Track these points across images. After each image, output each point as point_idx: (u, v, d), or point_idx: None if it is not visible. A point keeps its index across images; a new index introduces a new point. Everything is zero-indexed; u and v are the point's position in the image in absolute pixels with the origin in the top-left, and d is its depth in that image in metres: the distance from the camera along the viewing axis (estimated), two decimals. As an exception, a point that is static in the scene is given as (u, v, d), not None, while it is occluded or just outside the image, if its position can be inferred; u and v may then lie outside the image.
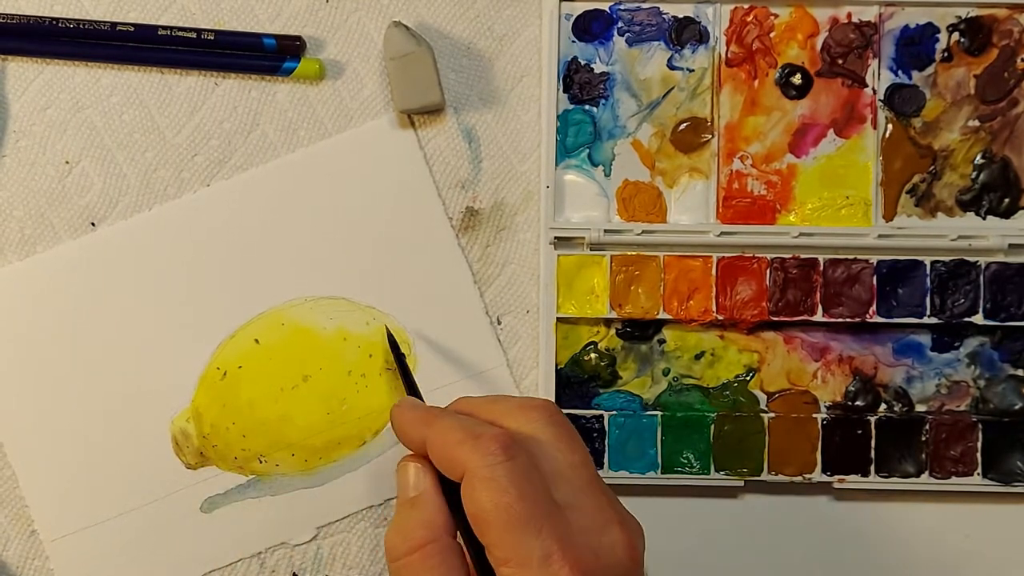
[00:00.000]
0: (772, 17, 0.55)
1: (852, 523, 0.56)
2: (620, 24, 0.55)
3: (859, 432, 0.55)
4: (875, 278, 0.55)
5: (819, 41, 0.55)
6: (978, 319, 0.55)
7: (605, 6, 0.55)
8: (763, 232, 0.55)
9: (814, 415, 0.55)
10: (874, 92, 0.55)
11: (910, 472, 0.55)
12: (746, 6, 0.55)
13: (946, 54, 0.55)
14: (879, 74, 0.55)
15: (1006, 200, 0.55)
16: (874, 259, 0.55)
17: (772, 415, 0.55)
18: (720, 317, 0.55)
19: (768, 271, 0.55)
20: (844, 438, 0.55)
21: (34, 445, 0.55)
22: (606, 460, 0.55)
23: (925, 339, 0.55)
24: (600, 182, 0.56)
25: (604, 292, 0.55)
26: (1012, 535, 0.56)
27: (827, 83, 0.55)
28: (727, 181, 0.55)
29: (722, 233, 0.55)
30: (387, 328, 0.54)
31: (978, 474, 0.55)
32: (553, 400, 0.54)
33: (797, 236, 0.55)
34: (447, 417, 0.43)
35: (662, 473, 0.55)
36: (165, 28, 0.55)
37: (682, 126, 0.56)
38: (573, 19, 0.55)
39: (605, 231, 0.54)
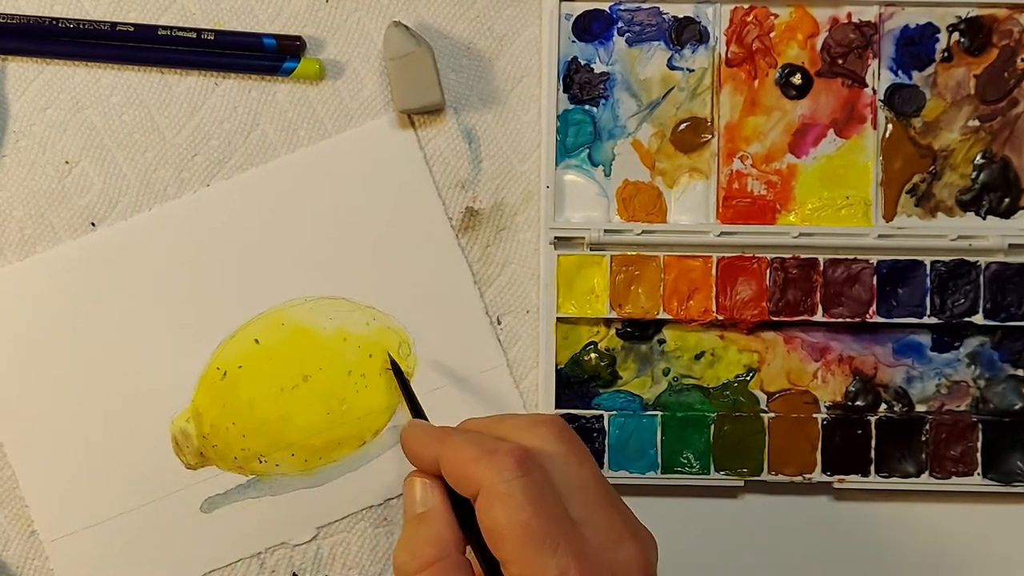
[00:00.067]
0: (772, 17, 0.55)
1: (852, 523, 0.56)
2: (620, 24, 0.55)
3: (859, 432, 0.55)
4: (875, 278, 0.55)
5: (819, 41, 0.55)
6: (978, 319, 0.55)
7: (605, 6, 0.55)
8: (763, 232, 0.55)
9: (814, 415, 0.55)
10: (874, 92, 0.55)
11: (910, 472, 0.55)
12: (746, 6, 0.55)
13: (946, 54, 0.55)
14: (879, 74, 0.55)
15: (1006, 200, 0.55)
16: (874, 259, 0.55)
17: (772, 415, 0.55)
18: (720, 317, 0.55)
19: (768, 271, 0.55)
20: (844, 438, 0.55)
21: (34, 445, 0.55)
22: (606, 460, 0.55)
23: (925, 339, 0.55)
24: (600, 182, 0.56)
25: (604, 292, 0.55)
26: (1012, 535, 0.56)
27: (827, 83, 0.55)
28: (727, 181, 0.55)
29: (722, 233, 0.55)
30: (389, 355, 0.54)
31: (978, 474, 0.55)
32: (553, 400, 0.55)
33: (797, 236, 0.55)
34: (459, 434, 0.43)
35: (662, 473, 0.55)
36: (165, 28, 0.55)
37: (682, 126, 0.56)
38: (573, 19, 0.55)
39: (605, 231, 0.54)
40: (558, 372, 0.55)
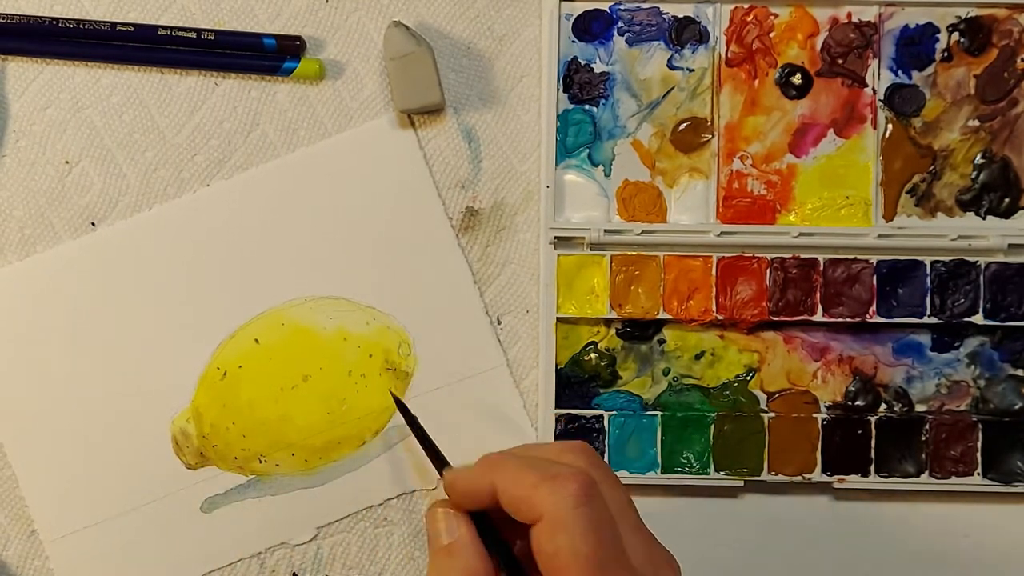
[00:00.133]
0: (772, 17, 0.55)
1: (852, 523, 0.56)
2: (620, 24, 0.55)
3: (859, 432, 0.55)
4: (875, 278, 0.55)
5: (819, 41, 0.55)
6: (978, 319, 0.55)
7: (605, 6, 0.55)
8: (763, 232, 0.55)
9: (814, 415, 0.55)
10: (874, 92, 0.55)
11: (910, 472, 0.55)
12: (746, 6, 0.55)
13: (946, 54, 0.55)
14: (879, 74, 0.55)
15: (1006, 200, 0.55)
16: (874, 259, 0.55)
17: (772, 415, 0.55)
18: (720, 317, 0.55)
19: (768, 271, 0.55)
20: (844, 438, 0.55)
21: (34, 445, 0.55)
22: (606, 460, 0.55)
23: (925, 339, 0.55)
24: (600, 182, 0.56)
25: (604, 292, 0.55)
26: (1012, 535, 0.56)
27: (827, 83, 0.55)
28: (727, 181, 0.55)
29: (722, 233, 0.55)
30: (392, 393, 0.53)
31: (978, 474, 0.55)
32: (553, 400, 0.55)
33: (797, 236, 0.55)
34: (513, 459, 0.42)
35: (662, 473, 0.55)
36: (165, 28, 0.55)
37: (682, 126, 0.56)
38: (573, 19, 0.55)
39: (605, 231, 0.54)
40: (558, 372, 0.55)
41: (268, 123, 0.56)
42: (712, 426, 0.55)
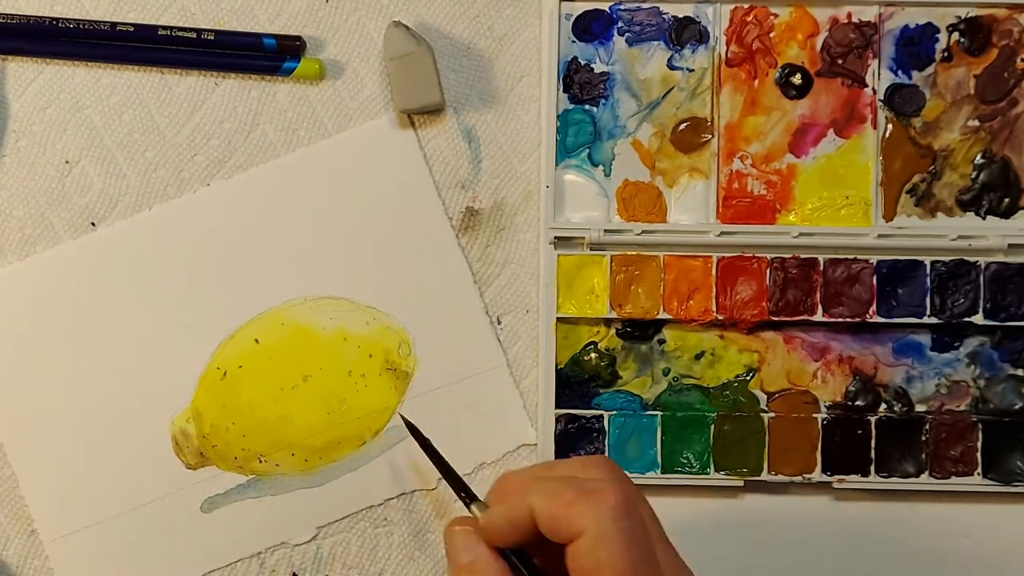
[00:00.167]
0: (772, 17, 0.55)
1: (852, 523, 0.56)
2: (620, 24, 0.55)
3: (859, 432, 0.55)
4: (875, 278, 0.55)
5: (819, 41, 0.55)
6: (978, 319, 0.55)
7: (605, 6, 0.55)
8: (763, 232, 0.55)
9: (814, 415, 0.55)
10: (874, 92, 0.55)
11: (910, 472, 0.55)
12: (746, 6, 0.55)
13: (946, 54, 0.55)
14: (879, 74, 0.55)
15: (1006, 200, 0.55)
16: (874, 259, 0.55)
17: (772, 415, 0.55)
18: (720, 317, 0.55)
19: (768, 271, 0.55)
20: (844, 438, 0.55)
21: (34, 445, 0.55)
22: (606, 460, 0.55)
23: (925, 339, 0.55)
24: (600, 182, 0.56)
25: (604, 292, 0.55)
26: (1012, 535, 0.56)
27: (827, 83, 0.55)
28: (727, 181, 0.55)
29: (722, 233, 0.55)
30: (402, 416, 0.51)
31: (978, 474, 0.55)
32: (553, 400, 0.55)
33: (797, 236, 0.55)
34: (549, 478, 0.41)
35: (662, 473, 0.55)
36: (165, 28, 0.55)
37: (682, 126, 0.56)
38: (573, 19, 0.55)
39: (605, 231, 0.54)
40: (558, 372, 0.55)
41: (268, 123, 0.56)
42: (712, 426, 0.55)
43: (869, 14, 0.55)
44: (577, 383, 0.55)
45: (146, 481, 0.55)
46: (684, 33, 0.55)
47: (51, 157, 0.56)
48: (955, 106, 0.55)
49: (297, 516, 0.55)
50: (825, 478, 0.55)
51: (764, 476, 0.55)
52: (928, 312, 0.55)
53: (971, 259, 0.55)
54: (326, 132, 0.56)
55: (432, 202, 0.56)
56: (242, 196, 0.55)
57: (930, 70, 0.55)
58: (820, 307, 0.55)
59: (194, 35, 0.55)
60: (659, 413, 0.55)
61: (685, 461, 0.55)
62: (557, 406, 0.55)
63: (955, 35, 0.55)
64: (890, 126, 0.55)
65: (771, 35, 0.55)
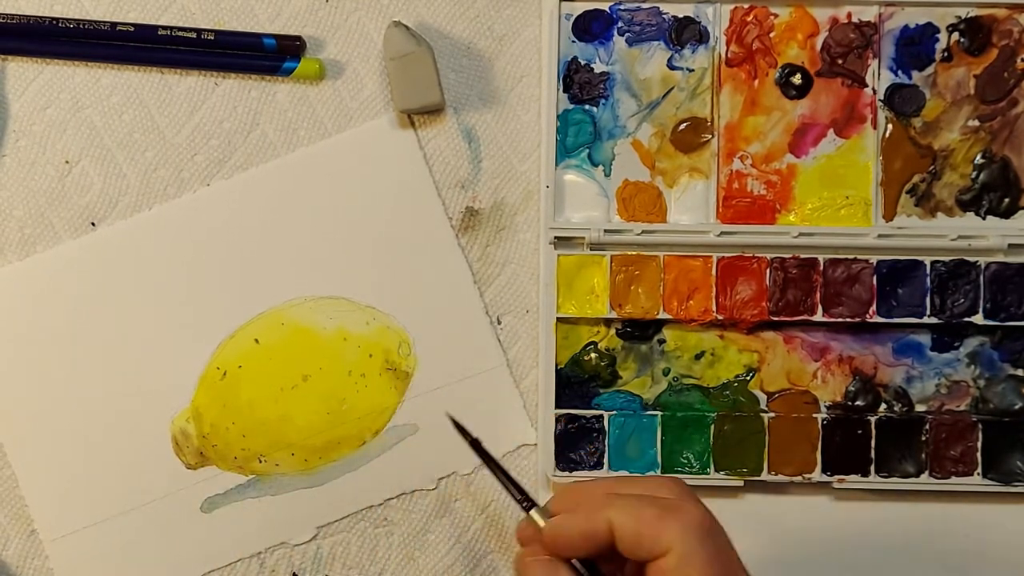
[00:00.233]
0: (772, 17, 0.55)
1: (852, 523, 0.56)
2: (620, 24, 0.55)
3: (859, 432, 0.55)
4: (875, 278, 0.55)
5: (819, 41, 0.55)
6: (978, 319, 0.54)
7: (605, 6, 0.55)
8: (763, 232, 0.55)
9: (814, 415, 0.55)
10: (874, 92, 0.55)
11: (910, 472, 0.55)
12: (746, 6, 0.55)
13: (946, 54, 0.55)
14: (879, 74, 0.55)
15: (1006, 200, 0.55)
16: (874, 259, 0.55)
17: (772, 415, 0.55)
18: (720, 317, 0.55)
19: (768, 271, 0.55)
20: (844, 438, 0.55)
21: (34, 445, 0.55)
22: (606, 460, 0.55)
23: (925, 339, 0.55)
24: (600, 182, 0.56)
25: (604, 292, 0.55)
26: (1012, 535, 0.56)
27: (827, 83, 0.55)
28: (727, 181, 0.55)
29: (722, 233, 0.55)
30: (451, 417, 0.48)
31: (978, 474, 0.54)
32: (553, 400, 0.54)
33: (797, 236, 0.55)
34: (624, 495, 0.41)
35: (662, 473, 0.55)
36: (165, 28, 0.55)
37: (682, 126, 0.56)
38: (573, 19, 0.55)
39: (605, 231, 0.54)
40: (558, 372, 0.55)
41: (268, 123, 0.56)
42: (712, 426, 0.55)
43: (869, 14, 0.55)
44: (577, 383, 0.55)
45: (146, 481, 0.55)
46: (684, 33, 0.55)
47: (51, 157, 0.56)
48: (955, 106, 0.55)
49: (297, 516, 0.55)
50: (825, 478, 0.55)
51: (764, 476, 0.55)
52: (928, 312, 0.55)
53: (971, 259, 0.55)
54: (326, 132, 0.56)
55: (432, 202, 0.56)
56: (242, 196, 0.55)
57: (930, 70, 0.55)
58: (820, 307, 0.55)
59: (194, 35, 0.55)
60: (659, 413, 0.55)
61: (685, 461, 0.55)
62: (557, 406, 0.55)
63: (955, 35, 0.55)
64: (890, 126, 0.55)
65: (771, 35, 0.55)
